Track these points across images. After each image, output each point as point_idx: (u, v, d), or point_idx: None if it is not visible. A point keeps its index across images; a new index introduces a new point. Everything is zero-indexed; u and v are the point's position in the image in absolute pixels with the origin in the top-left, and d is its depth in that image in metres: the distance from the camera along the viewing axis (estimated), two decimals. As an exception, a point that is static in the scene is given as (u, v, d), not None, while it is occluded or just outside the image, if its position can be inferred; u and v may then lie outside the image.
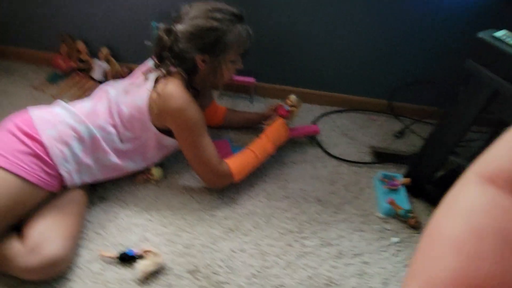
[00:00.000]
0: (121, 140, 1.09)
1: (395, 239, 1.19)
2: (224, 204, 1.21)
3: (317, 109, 1.70)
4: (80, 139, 1.03)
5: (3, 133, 0.97)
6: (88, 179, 1.08)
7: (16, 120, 0.99)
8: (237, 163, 1.18)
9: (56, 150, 0.98)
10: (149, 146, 1.14)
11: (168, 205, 1.18)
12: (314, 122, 1.62)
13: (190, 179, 1.27)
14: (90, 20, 1.57)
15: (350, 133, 1.60)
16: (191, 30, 1.01)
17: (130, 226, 1.11)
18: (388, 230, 1.22)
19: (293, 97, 1.35)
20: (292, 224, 1.19)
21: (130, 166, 1.15)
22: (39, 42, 1.64)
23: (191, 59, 1.05)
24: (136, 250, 1.01)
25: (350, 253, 1.13)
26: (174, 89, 1.03)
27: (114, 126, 1.07)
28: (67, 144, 1.00)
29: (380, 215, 1.26)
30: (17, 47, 1.67)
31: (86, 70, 1.63)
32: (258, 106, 1.66)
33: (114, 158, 1.09)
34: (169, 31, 1.03)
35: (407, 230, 1.23)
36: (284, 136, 1.30)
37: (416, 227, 1.23)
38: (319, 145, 1.50)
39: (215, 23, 1.00)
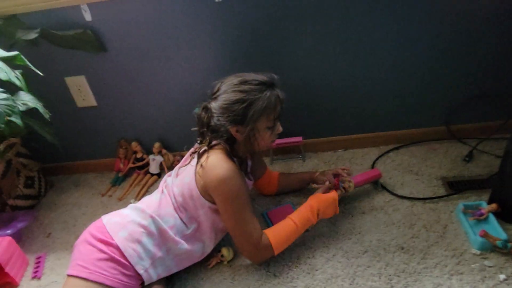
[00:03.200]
0: (185, 224, 1.11)
1: (502, 276, 1.05)
2: (302, 273, 1.15)
3: (373, 152, 1.64)
4: (149, 233, 1.06)
5: (83, 245, 1.03)
6: (163, 272, 1.09)
7: (91, 230, 1.06)
8: (278, 236, 1.13)
9: (130, 250, 1.02)
10: (207, 222, 1.14)
11: (246, 285, 1.14)
12: (373, 166, 1.55)
13: (261, 253, 1.23)
14: (140, 122, 1.70)
15: (414, 168, 1.51)
16: (221, 104, 1.05)
17: (213, 314, 1.07)
18: (491, 267, 1.08)
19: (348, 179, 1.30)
20: (380, 281, 1.09)
21: (199, 248, 1.15)
22: (100, 152, 1.79)
23: (226, 131, 1.08)
24: None
25: (455, 302, 1.00)
26: (215, 159, 1.06)
27: (176, 212, 1.11)
28: (138, 241, 1.04)
29: (476, 251, 1.13)
30: (82, 161, 1.83)
31: (144, 167, 1.73)
32: (310, 162, 1.64)
33: (183, 245, 1.10)
34: (205, 108, 1.09)
35: (513, 262, 1.08)
36: (332, 212, 1.22)
37: (522, 257, 1.08)
38: (385, 188, 1.42)
39: (241, 95, 1.03)
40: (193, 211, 1.11)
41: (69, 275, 0.99)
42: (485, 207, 1.20)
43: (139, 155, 1.74)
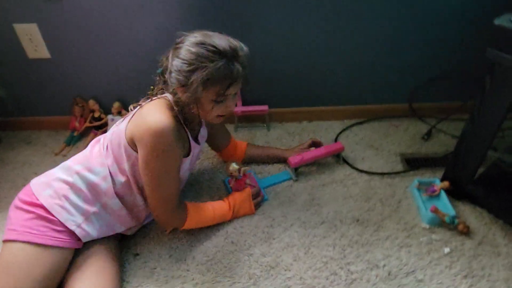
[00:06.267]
0: (113, 176, 1.03)
1: (446, 250, 1.11)
2: (259, 241, 1.16)
3: (337, 125, 1.65)
4: (77, 190, 1.00)
5: (12, 211, 0.99)
6: (104, 229, 1.05)
7: (19, 194, 1.01)
8: (195, 215, 1.13)
9: (56, 206, 0.97)
10: (133, 178, 1.05)
11: (202, 251, 1.14)
12: (336, 139, 1.57)
13: (220, 220, 1.23)
14: (98, 79, 1.59)
15: (375, 143, 1.54)
16: (176, 59, 0.94)
17: (168, 279, 1.07)
18: (437, 240, 1.14)
19: (233, 166, 1.23)
20: (333, 251, 1.12)
21: (139, 207, 1.10)
22: (53, 108, 1.68)
23: (174, 88, 0.98)
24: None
25: (402, 273, 1.06)
26: (151, 107, 0.98)
27: (105, 160, 1.03)
28: (66, 197, 0.98)
29: (425, 225, 1.19)
30: (33, 116, 1.71)
31: (101, 127, 1.65)
32: (275, 132, 1.63)
33: (117, 201, 1.04)
34: (167, 58, 1.00)
35: (457, 237, 1.14)
36: (247, 211, 1.24)
37: (466, 232, 1.14)
38: (346, 162, 1.44)
39: (191, 57, 0.91)
40: (120, 161, 1.02)
41: (3, 241, 0.95)
42: (438, 184, 1.26)
43: (96, 114, 1.64)
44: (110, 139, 1.04)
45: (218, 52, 0.92)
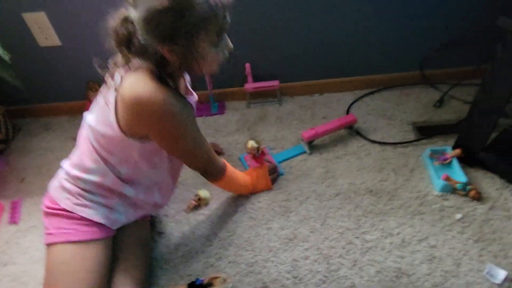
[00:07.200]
0: (114, 167, 0.95)
1: (458, 216, 1.15)
2: (277, 215, 1.21)
3: (348, 96, 1.65)
4: (88, 191, 0.97)
5: (43, 218, 1.01)
6: (130, 215, 1.06)
7: (44, 202, 1.01)
8: (231, 173, 1.13)
9: (78, 207, 0.96)
10: (145, 162, 0.97)
11: (223, 227, 1.20)
12: (348, 111, 1.58)
13: (237, 195, 1.28)
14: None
15: (388, 113, 1.54)
16: (143, 15, 0.74)
17: (192, 255, 1.14)
18: (449, 207, 1.17)
19: (251, 144, 1.28)
20: (349, 221, 1.17)
21: (158, 181, 1.06)
22: (69, 94, 1.72)
23: (155, 52, 0.79)
24: (203, 278, 1.03)
25: (415, 240, 1.10)
26: (139, 87, 0.79)
27: (100, 159, 0.94)
28: (82, 196, 0.97)
29: (437, 193, 1.22)
30: (50, 103, 1.75)
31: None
32: (287, 106, 1.64)
33: (128, 188, 1.00)
34: (125, 20, 0.78)
35: (469, 203, 1.17)
36: (264, 186, 1.29)
37: (478, 198, 1.17)
38: (359, 134, 1.46)
39: (167, 2, 0.71)
40: (117, 153, 0.92)
41: (46, 247, 0.98)
42: (450, 152, 1.27)
43: (111, 98, 1.68)
44: (93, 134, 0.92)
45: None
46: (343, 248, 1.10)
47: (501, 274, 0.98)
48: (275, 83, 1.59)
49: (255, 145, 1.25)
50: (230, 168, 1.12)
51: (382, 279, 1.02)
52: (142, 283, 1.02)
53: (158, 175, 1.04)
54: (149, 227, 1.17)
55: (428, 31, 1.51)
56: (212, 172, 1.08)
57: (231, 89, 1.68)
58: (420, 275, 1.02)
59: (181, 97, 0.88)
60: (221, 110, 1.66)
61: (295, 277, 1.05)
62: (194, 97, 1.03)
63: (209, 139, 1.50)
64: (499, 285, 0.98)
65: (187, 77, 1.05)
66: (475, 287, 0.98)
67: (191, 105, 0.94)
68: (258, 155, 1.27)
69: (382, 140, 1.42)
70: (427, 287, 0.99)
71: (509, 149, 1.24)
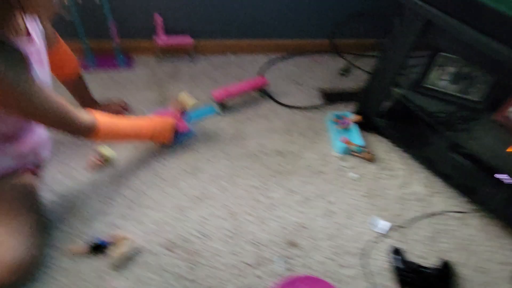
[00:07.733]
0: None
1: (354, 175, 1.26)
2: (187, 174, 1.20)
3: (262, 59, 1.67)
4: None
5: None
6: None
7: None
8: (108, 123, 1.01)
9: None
10: None
11: (128, 186, 1.15)
12: (261, 74, 1.60)
13: (145, 154, 1.23)
14: None
15: (298, 78, 1.60)
16: None
17: (93, 215, 1.07)
18: (346, 167, 1.29)
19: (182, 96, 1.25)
20: (257, 180, 1.21)
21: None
22: None
23: None
24: (105, 238, 0.99)
25: (315, 196, 1.19)
26: None
27: None
28: None
29: (337, 154, 1.32)
30: None
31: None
32: (200, 65, 1.60)
33: None
34: None
35: (364, 164, 1.30)
36: (165, 140, 1.21)
37: (371, 159, 1.30)
38: (270, 97, 1.49)
39: None
40: None
41: None
42: (350, 117, 1.38)
43: None
44: None
45: None
46: (250, 205, 1.14)
47: (381, 224, 1.12)
48: (188, 40, 1.53)
49: (189, 101, 1.21)
50: (106, 121, 1.01)
51: (286, 233, 1.09)
52: (31, 238, 0.90)
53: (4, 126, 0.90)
54: (33, 181, 1.04)
55: (338, 1, 1.57)
56: (77, 132, 0.95)
57: (139, 41, 1.56)
58: (319, 228, 1.11)
59: (3, 45, 0.73)
60: (128, 64, 1.54)
61: (202, 234, 1.06)
62: (36, 44, 0.87)
63: (115, 95, 1.40)
64: (383, 235, 1.12)
65: (39, 25, 0.91)
66: (364, 237, 1.10)
67: (25, 56, 0.78)
68: (180, 111, 1.23)
69: (292, 104, 1.47)
70: (323, 238, 1.09)
71: (399, 117, 1.39)
